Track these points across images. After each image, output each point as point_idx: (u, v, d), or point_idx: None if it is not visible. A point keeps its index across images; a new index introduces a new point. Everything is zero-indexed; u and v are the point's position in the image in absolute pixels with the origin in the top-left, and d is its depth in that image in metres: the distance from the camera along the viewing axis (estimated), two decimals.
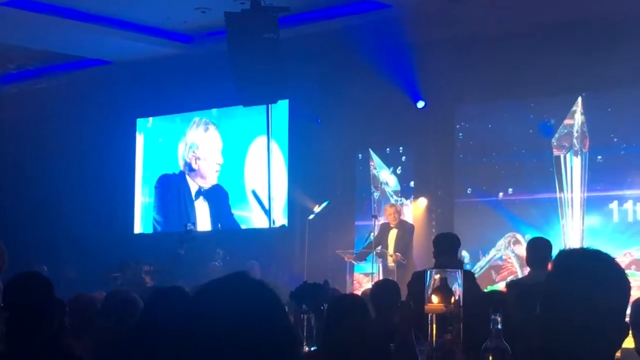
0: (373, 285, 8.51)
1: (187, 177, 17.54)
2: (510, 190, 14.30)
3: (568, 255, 2.76)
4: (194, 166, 17.50)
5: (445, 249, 8.46)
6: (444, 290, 3.42)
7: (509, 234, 14.19)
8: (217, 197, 17.15)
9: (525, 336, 2.85)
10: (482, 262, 14.22)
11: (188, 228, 15.29)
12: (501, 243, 14.24)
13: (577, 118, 13.88)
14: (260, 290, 2.19)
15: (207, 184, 17.36)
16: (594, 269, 2.65)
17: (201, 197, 17.34)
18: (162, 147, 17.99)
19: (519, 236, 14.06)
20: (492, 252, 14.27)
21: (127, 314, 5.79)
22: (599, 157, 13.72)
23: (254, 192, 16.69)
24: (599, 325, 2.57)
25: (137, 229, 18.07)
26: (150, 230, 17.92)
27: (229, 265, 14.60)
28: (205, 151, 17.41)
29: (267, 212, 16.35)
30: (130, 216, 18.02)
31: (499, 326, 3.28)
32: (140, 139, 18.27)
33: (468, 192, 14.71)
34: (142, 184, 18.16)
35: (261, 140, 16.66)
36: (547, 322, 2.62)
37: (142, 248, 15.84)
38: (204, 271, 13.88)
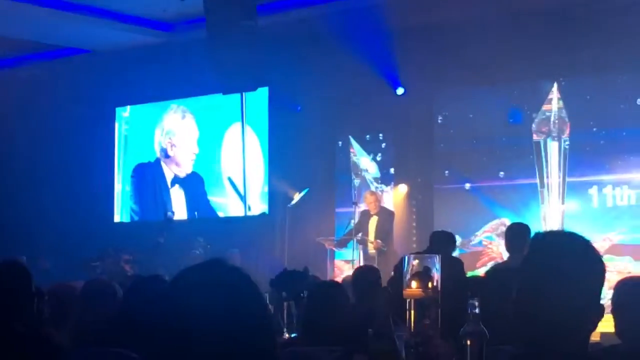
0: (354, 271, 8.54)
1: (163, 165, 17.47)
2: (490, 175, 14.31)
3: (543, 237, 2.78)
4: (170, 153, 17.45)
5: (439, 244, 8.49)
6: (423, 275, 3.41)
7: (495, 221, 14.19)
8: (193, 184, 17.10)
9: (502, 320, 2.86)
10: (465, 247, 14.22)
11: (168, 216, 15.25)
12: (485, 229, 14.25)
13: (554, 104, 13.92)
14: (236, 276, 2.19)
15: (182, 172, 17.31)
16: (569, 250, 2.66)
17: (177, 185, 17.29)
18: (138, 135, 17.93)
19: (505, 221, 14.09)
20: (474, 239, 14.29)
21: (107, 303, 5.78)
22: (578, 142, 13.76)
23: (230, 180, 16.66)
24: (573, 307, 2.58)
25: (117, 217, 18.02)
26: (128, 220, 17.88)
27: (210, 253, 14.57)
28: (182, 139, 17.36)
29: (243, 199, 16.34)
30: (110, 205, 17.96)
31: (477, 310, 3.29)
32: (118, 128, 18.19)
33: (447, 178, 14.72)
34: (121, 172, 18.09)
35: (237, 127, 16.64)
36: (522, 305, 2.64)
37: (122, 237, 15.79)
38: (184, 260, 13.83)
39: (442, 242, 8.59)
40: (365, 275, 7.64)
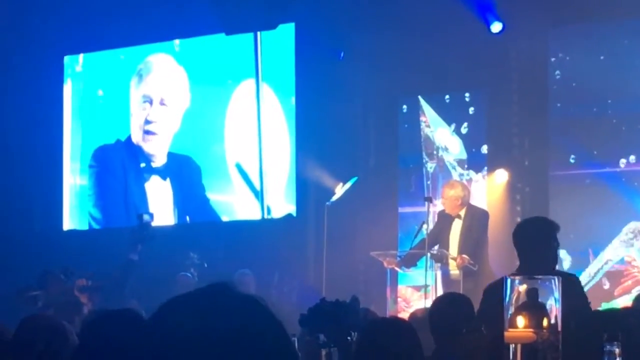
0: (432, 303, 8.52)
1: (140, 145, 17.47)
2: (634, 156, 14.29)
3: None
4: (148, 127, 17.42)
5: (536, 243, 8.36)
6: (534, 308, 3.42)
7: (632, 224, 14.18)
8: (183, 174, 17.13)
9: None
10: (593, 266, 14.21)
11: (145, 220, 15.29)
12: (621, 238, 14.24)
13: None
14: (248, 310, 2.18)
15: (166, 156, 17.29)
16: None
17: (159, 176, 17.31)
18: (100, 99, 17.96)
19: None
20: (609, 252, 14.26)
21: (51, 349, 5.82)
22: None
23: (238, 167, 16.68)
24: None
25: (67, 224, 18.10)
26: (84, 227, 17.94)
27: (207, 276, 14.63)
28: (165, 105, 17.37)
29: (259, 195, 16.35)
30: (58, 207, 18.05)
31: None
32: (68, 88, 18.22)
33: (570, 160, 14.70)
34: (76, 159, 18.13)
35: (249, 85, 16.61)
36: None
37: (76, 253, 15.86)
38: (170, 286, 13.92)
39: (535, 237, 8.40)
40: (447, 307, 7.63)
